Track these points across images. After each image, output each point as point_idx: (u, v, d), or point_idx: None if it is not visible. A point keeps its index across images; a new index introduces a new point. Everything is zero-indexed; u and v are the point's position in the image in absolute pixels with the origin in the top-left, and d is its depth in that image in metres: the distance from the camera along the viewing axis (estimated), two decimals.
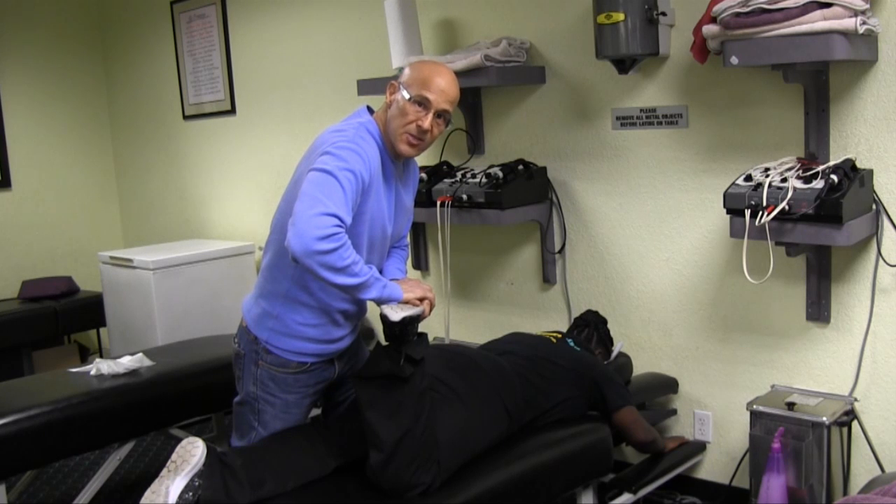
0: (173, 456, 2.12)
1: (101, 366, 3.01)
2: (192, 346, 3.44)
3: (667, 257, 3.08)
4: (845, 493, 2.67)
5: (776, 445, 2.51)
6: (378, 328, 2.56)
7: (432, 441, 2.20)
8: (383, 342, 2.28)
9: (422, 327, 2.26)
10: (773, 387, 2.83)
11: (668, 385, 3.09)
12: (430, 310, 2.25)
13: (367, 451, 2.19)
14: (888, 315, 2.62)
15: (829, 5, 2.30)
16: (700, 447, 3.04)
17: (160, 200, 5.30)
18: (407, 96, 2.21)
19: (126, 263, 4.27)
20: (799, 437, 2.54)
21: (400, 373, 2.14)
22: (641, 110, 3.05)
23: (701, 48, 2.65)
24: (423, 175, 3.30)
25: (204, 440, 2.15)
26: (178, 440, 2.25)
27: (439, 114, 2.23)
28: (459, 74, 2.57)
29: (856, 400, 2.68)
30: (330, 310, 2.27)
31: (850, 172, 2.42)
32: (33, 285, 4.97)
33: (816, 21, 2.31)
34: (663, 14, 2.80)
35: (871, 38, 2.47)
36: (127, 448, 3.02)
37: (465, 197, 3.14)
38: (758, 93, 2.77)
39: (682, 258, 3.04)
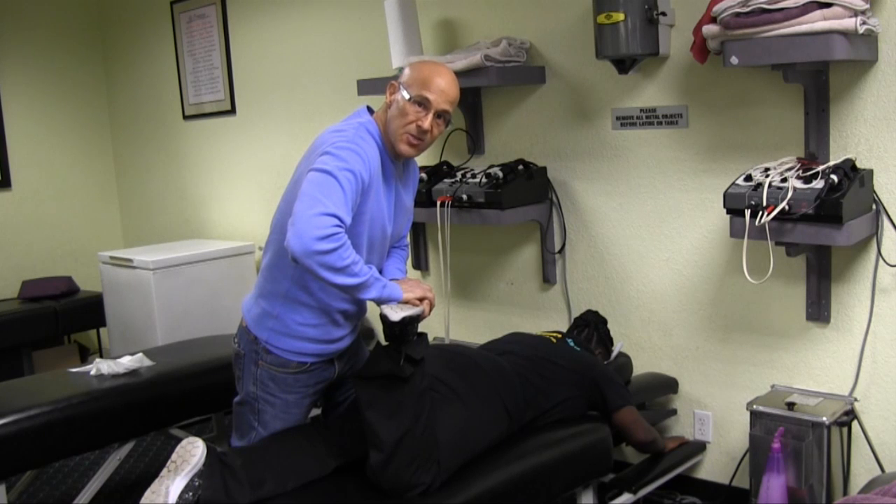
0: (173, 456, 2.12)
1: (101, 366, 3.01)
2: (192, 346, 3.44)
3: (667, 257, 3.08)
4: (845, 493, 2.67)
5: (776, 445, 2.51)
6: (378, 328, 2.56)
7: (432, 441, 2.20)
8: (383, 342, 2.28)
9: (422, 327, 2.26)
10: (773, 387, 2.83)
11: (668, 385, 3.09)
12: (430, 310, 2.24)
13: (367, 451, 2.19)
14: (888, 315, 2.62)
15: (829, 5, 2.30)
16: (700, 447, 3.04)
17: (160, 200, 5.30)
18: (407, 96, 2.21)
19: (126, 263, 4.27)
20: (799, 437, 2.54)
21: (400, 373, 2.14)
22: (641, 110, 3.05)
23: (701, 48, 2.65)
24: (423, 175, 3.30)
25: (204, 440, 2.15)
26: (178, 440, 2.25)
27: (439, 114, 2.23)
28: (459, 74, 2.57)
29: (856, 400, 2.68)
30: (330, 310, 2.27)
31: (850, 172, 2.42)
32: (33, 285, 4.97)
33: (816, 21, 2.31)
34: (663, 14, 2.80)
35: (871, 38, 2.47)
36: (127, 448, 3.02)
37: (465, 197, 3.14)
38: (758, 93, 2.77)
39: (682, 258, 3.04)
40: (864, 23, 2.32)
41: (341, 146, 2.10)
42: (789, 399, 2.65)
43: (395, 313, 2.14)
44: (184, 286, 4.18)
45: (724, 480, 3.02)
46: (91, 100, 5.49)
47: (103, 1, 5.42)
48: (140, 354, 3.15)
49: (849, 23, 2.29)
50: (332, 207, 1.99)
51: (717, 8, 2.47)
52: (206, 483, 2.08)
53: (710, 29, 2.53)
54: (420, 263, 3.81)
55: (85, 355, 5.17)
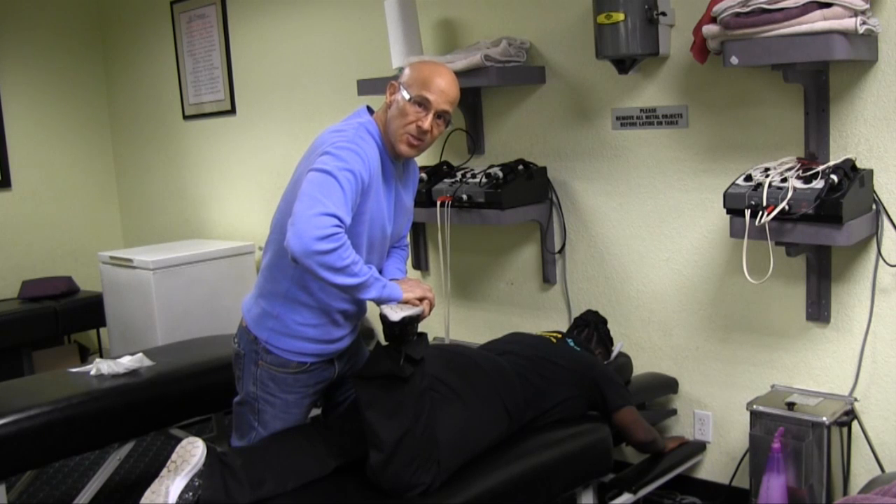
0: (173, 456, 2.12)
1: (101, 366, 3.01)
2: (192, 346, 3.44)
3: (667, 257, 3.08)
4: (845, 493, 2.67)
5: (776, 445, 2.51)
6: (378, 328, 2.56)
7: (432, 441, 2.20)
8: (383, 342, 2.28)
9: (422, 327, 2.26)
10: (773, 387, 2.83)
11: (668, 385, 3.09)
12: (430, 310, 2.24)
13: (367, 451, 2.19)
14: (888, 315, 2.62)
15: (829, 5, 2.30)
16: (700, 447, 3.04)
17: (160, 200, 5.30)
18: (407, 97, 2.21)
19: (126, 263, 4.27)
20: (799, 437, 2.54)
21: (400, 373, 2.14)
22: (641, 110, 3.05)
23: (701, 48, 2.65)
24: (423, 175, 3.30)
25: (204, 440, 2.15)
26: (178, 440, 2.25)
27: (439, 114, 2.23)
28: (459, 74, 2.57)
29: (856, 400, 2.68)
30: (330, 310, 2.27)
31: (850, 172, 2.42)
32: (33, 285, 4.97)
33: (816, 21, 2.31)
34: (663, 14, 2.80)
35: (871, 38, 2.47)
36: (127, 448, 3.02)
37: (465, 197, 3.14)
38: (758, 93, 2.77)
39: (682, 258, 3.04)
40: (864, 23, 2.32)
41: (341, 146, 2.10)
42: (789, 399, 2.65)
43: (395, 313, 2.14)
44: (184, 286, 4.18)
45: (724, 480, 3.02)
46: (91, 100, 5.49)
47: (103, 1, 5.42)
48: (140, 354, 3.15)
49: (849, 23, 2.29)
50: (332, 207, 1.99)
51: (717, 8, 2.47)
52: (206, 483, 2.08)
53: (710, 29, 2.53)
54: (420, 263, 3.81)
55: (85, 355, 5.17)
